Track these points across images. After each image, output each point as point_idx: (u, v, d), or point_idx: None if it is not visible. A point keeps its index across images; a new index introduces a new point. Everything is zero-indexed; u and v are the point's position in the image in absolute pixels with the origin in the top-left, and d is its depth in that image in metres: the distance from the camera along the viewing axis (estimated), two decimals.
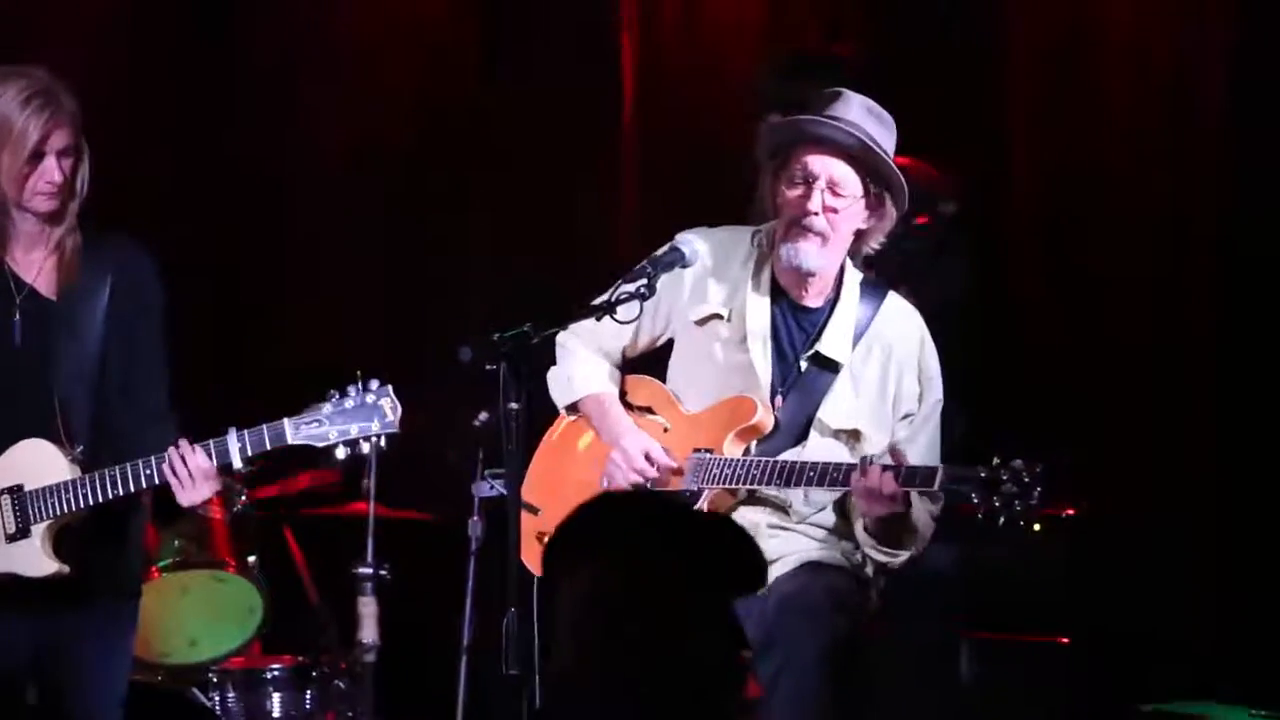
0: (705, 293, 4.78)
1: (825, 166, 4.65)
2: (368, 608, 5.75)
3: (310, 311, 6.93)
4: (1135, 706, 5.39)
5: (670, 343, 4.90)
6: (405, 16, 7.15)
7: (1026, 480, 4.32)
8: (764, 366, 4.75)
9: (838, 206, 4.65)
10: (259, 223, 7.02)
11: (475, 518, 5.83)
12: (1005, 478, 4.34)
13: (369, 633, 5.74)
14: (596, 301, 4.54)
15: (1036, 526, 5.90)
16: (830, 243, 4.68)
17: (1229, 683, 5.53)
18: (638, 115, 6.96)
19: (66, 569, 4.34)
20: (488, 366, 4.16)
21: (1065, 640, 5.64)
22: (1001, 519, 4.34)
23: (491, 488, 5.73)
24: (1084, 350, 6.35)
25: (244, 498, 5.87)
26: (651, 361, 4.95)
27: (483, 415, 5.58)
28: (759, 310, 4.77)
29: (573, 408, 4.93)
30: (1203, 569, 6.12)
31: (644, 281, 4.51)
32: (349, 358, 4.41)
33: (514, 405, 4.14)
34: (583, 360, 4.90)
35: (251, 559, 5.78)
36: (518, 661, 4.10)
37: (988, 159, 6.44)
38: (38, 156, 4.29)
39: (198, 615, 5.78)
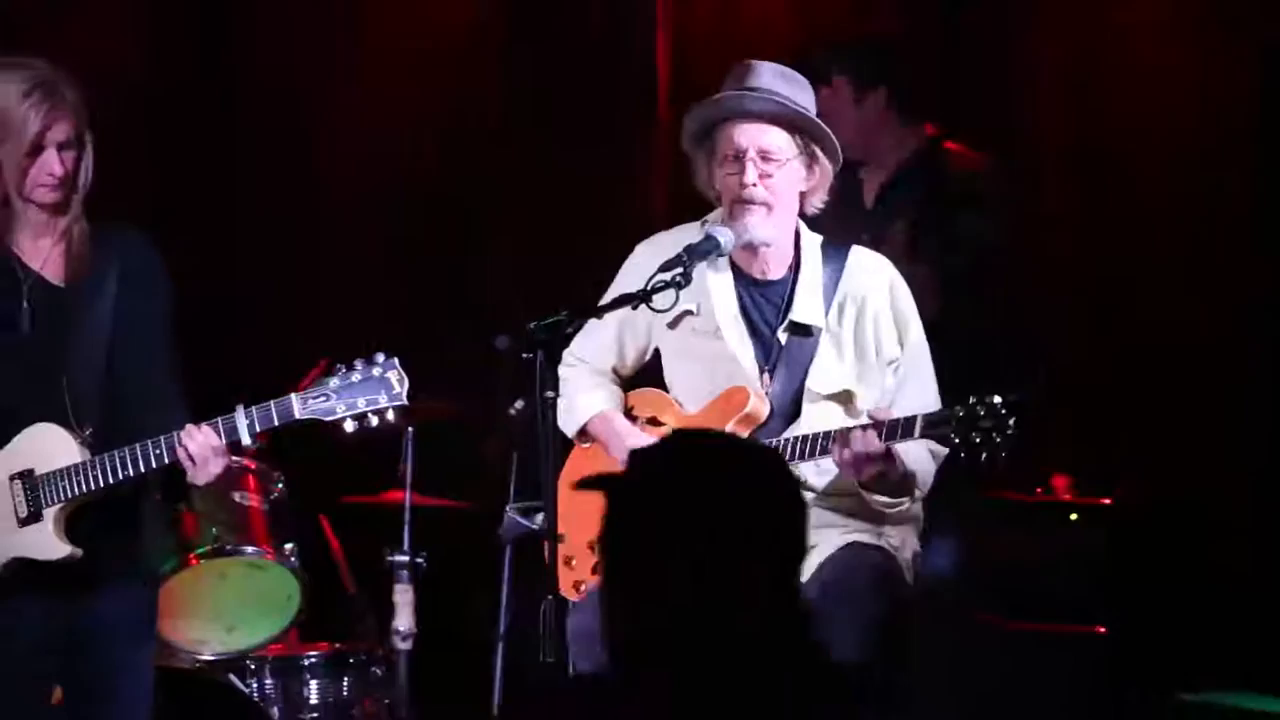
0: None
1: (751, 137, 4.68)
2: (404, 595, 5.75)
3: (339, 304, 6.93)
4: (1175, 696, 5.37)
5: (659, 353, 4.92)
6: (433, 14, 7.14)
7: (1003, 412, 4.35)
8: (744, 349, 4.76)
9: (773, 172, 4.68)
10: (278, 211, 7.03)
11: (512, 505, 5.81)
12: (981, 413, 4.37)
13: (405, 620, 5.74)
14: (633, 290, 4.55)
15: (1074, 516, 5.90)
16: (775, 210, 4.71)
17: (1269, 672, 5.51)
18: (672, 112, 6.96)
19: (80, 552, 4.34)
20: (524, 355, 4.16)
21: (1103, 630, 5.62)
22: (983, 455, 4.37)
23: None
24: (1120, 341, 6.33)
25: (280, 485, 5.88)
26: (655, 375, 4.97)
27: (518, 404, 5.58)
28: (724, 295, 4.78)
29: (583, 434, 4.94)
30: (1240, 558, 6.09)
31: (680, 270, 4.51)
32: (375, 346, 4.40)
33: (550, 394, 4.15)
34: (582, 387, 4.91)
35: (289, 546, 5.79)
36: (554, 649, 4.10)
37: (1018, 132, 6.44)
38: (37, 149, 4.29)
39: (235, 602, 5.79)
